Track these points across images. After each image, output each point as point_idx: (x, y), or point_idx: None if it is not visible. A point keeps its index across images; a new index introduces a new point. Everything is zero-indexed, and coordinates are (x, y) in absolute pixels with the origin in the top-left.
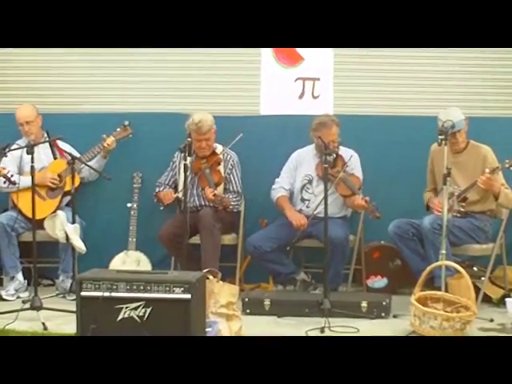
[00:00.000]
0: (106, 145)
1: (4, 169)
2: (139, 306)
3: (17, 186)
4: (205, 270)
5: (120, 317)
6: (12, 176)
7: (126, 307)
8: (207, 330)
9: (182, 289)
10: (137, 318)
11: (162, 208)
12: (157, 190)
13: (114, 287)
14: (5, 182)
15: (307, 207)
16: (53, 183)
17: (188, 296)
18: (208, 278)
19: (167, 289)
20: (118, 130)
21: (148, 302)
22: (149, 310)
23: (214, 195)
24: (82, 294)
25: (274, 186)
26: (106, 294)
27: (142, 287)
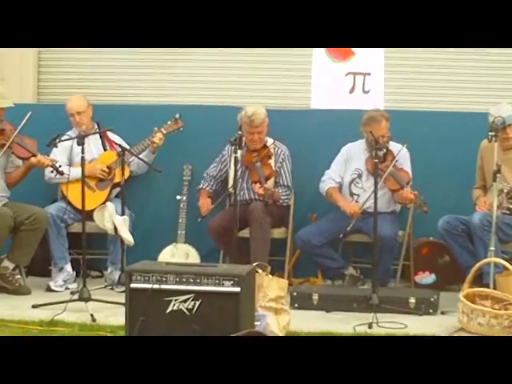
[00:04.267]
0: (155, 140)
1: (53, 160)
2: (188, 299)
3: (66, 176)
4: (254, 264)
5: (169, 309)
6: (60, 166)
7: (176, 300)
8: (256, 323)
9: (232, 282)
10: (186, 310)
11: (199, 220)
12: (201, 184)
13: (164, 279)
14: (52, 172)
15: (356, 202)
16: (102, 174)
17: (238, 289)
18: (257, 272)
19: (217, 282)
20: (169, 122)
21: (197, 294)
22: (198, 303)
23: (264, 189)
24: (132, 285)
25: (323, 178)
26: (156, 286)
27: (191, 280)
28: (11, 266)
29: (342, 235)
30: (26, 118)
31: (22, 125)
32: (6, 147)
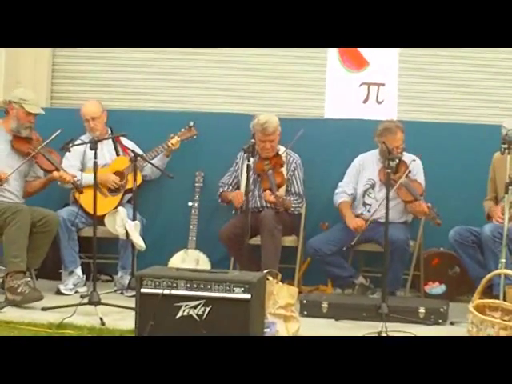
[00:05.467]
0: (170, 144)
1: (75, 177)
2: (199, 305)
3: (81, 190)
4: (265, 271)
5: (179, 315)
6: (81, 185)
7: (186, 305)
8: (265, 330)
9: (243, 289)
10: (196, 316)
11: (233, 212)
12: (221, 190)
13: (174, 285)
14: (72, 189)
15: (368, 211)
16: (113, 185)
17: (248, 296)
18: (268, 279)
19: (227, 288)
20: (183, 130)
21: (208, 300)
22: (208, 309)
23: (275, 197)
24: (142, 290)
25: (336, 191)
26: (166, 291)
27: (202, 286)
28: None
29: (345, 248)
30: (56, 133)
31: (51, 138)
32: (30, 156)
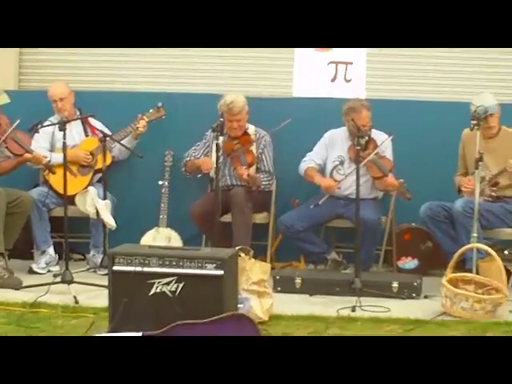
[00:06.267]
0: (139, 127)
1: (45, 157)
2: (171, 282)
3: (54, 171)
4: (237, 248)
5: (152, 291)
6: (52, 166)
7: (159, 282)
8: (239, 306)
9: (215, 265)
10: (169, 292)
11: (199, 176)
12: (184, 159)
13: (147, 262)
14: (44, 170)
15: (338, 188)
16: (86, 161)
17: (221, 272)
18: (240, 256)
19: (199, 265)
20: (151, 111)
21: (180, 277)
22: (181, 286)
23: (248, 175)
24: (114, 268)
25: (304, 159)
26: (138, 268)
27: (174, 263)
28: None
29: (312, 206)
30: (16, 123)
31: (15, 124)
32: (0, 142)
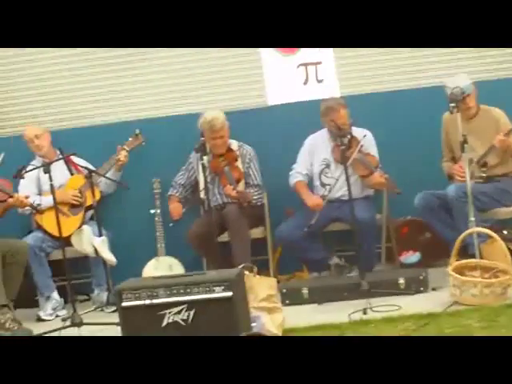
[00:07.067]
0: (121, 158)
1: (27, 197)
2: (182, 310)
3: (40, 210)
4: (240, 266)
5: (164, 323)
6: (39, 205)
7: (169, 312)
8: (252, 324)
9: (223, 287)
10: (181, 321)
11: (171, 225)
12: (170, 191)
13: (155, 294)
14: (31, 212)
15: (329, 192)
16: (75, 200)
17: (229, 294)
18: (245, 274)
19: (207, 289)
20: (130, 139)
21: (190, 304)
22: (192, 313)
23: (237, 192)
24: (123, 304)
25: (290, 173)
26: (148, 301)
27: (182, 290)
28: None
29: (306, 229)
30: (0, 158)
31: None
32: None
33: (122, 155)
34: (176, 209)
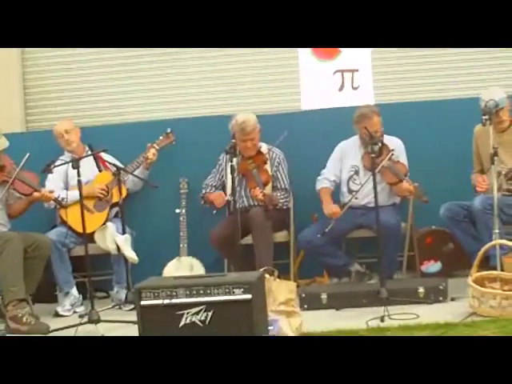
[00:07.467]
0: (149, 155)
1: (52, 192)
2: (200, 311)
3: (65, 205)
4: (261, 269)
5: (182, 323)
6: (63, 200)
7: (188, 313)
8: (269, 328)
9: (243, 289)
10: (199, 322)
11: (214, 212)
12: (203, 191)
13: (174, 294)
14: (55, 206)
15: (355, 198)
16: (101, 193)
17: (249, 296)
18: (265, 277)
19: (227, 291)
20: (161, 138)
21: (209, 305)
22: (210, 314)
23: (264, 195)
24: (142, 303)
25: (318, 178)
26: (166, 301)
27: (201, 291)
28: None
29: (319, 235)
30: (25, 158)
31: (21, 165)
32: (8, 185)
33: (151, 153)
34: (220, 196)
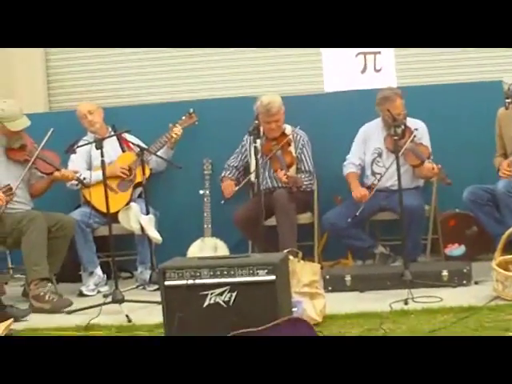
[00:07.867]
0: (173, 135)
1: (76, 172)
2: (224, 291)
3: (87, 184)
4: (285, 251)
5: (206, 303)
6: (85, 179)
7: (212, 293)
8: (293, 309)
9: (266, 270)
10: (223, 303)
11: (222, 202)
12: (223, 173)
13: (198, 274)
14: (77, 185)
15: (379, 180)
16: (123, 173)
17: (273, 277)
18: (289, 259)
19: (251, 272)
20: (184, 118)
21: (233, 286)
22: (234, 295)
23: (287, 177)
24: (166, 283)
25: (344, 163)
26: (190, 281)
27: (225, 272)
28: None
29: (349, 220)
30: (49, 134)
31: (44, 141)
32: (30, 164)
33: (176, 130)
34: (228, 186)
